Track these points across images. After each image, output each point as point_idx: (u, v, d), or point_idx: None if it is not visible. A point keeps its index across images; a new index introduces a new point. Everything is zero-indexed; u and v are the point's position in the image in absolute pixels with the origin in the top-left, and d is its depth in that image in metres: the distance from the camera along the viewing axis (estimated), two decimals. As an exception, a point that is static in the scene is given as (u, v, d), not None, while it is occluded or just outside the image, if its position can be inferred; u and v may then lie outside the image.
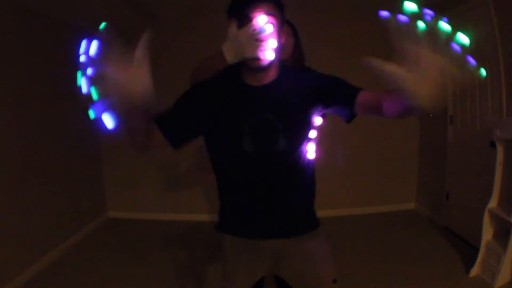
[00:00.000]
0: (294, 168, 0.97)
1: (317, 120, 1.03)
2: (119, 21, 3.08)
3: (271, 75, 0.94)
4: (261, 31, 0.83)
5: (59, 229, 2.77)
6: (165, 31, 3.41)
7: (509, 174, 2.15)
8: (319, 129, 1.10)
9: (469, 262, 2.26)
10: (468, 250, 2.50)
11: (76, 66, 0.75)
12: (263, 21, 0.83)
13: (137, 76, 0.76)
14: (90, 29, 3.21)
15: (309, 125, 0.97)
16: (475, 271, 2.19)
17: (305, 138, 0.97)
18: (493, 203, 2.17)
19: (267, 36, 0.85)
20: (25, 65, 2.44)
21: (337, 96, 0.95)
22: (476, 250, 2.23)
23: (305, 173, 1.01)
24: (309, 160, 1.01)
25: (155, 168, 3.56)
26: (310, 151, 1.03)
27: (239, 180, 0.99)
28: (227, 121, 0.93)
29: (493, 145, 2.15)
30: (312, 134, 1.01)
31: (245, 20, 0.85)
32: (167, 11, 3.24)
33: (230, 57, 0.92)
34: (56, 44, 2.80)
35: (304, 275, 1.04)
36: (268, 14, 0.85)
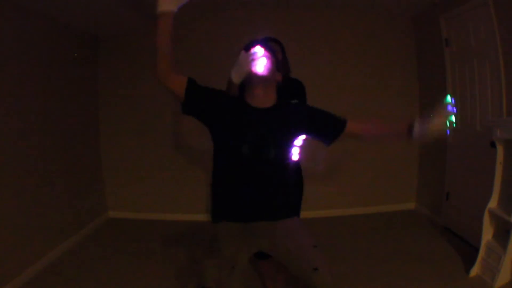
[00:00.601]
0: (280, 168, 1.27)
1: (301, 138, 1.37)
2: (119, 21, 3.09)
3: (270, 100, 1.26)
4: (254, 53, 1.17)
5: (59, 229, 2.77)
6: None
7: (509, 174, 2.15)
8: (304, 141, 1.43)
9: (469, 262, 2.26)
10: (468, 250, 2.50)
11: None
12: (258, 49, 1.18)
13: None
14: (91, 29, 3.19)
15: (293, 142, 1.30)
16: (475, 271, 2.18)
17: (289, 149, 1.29)
18: (493, 203, 2.16)
19: (259, 56, 1.18)
20: (25, 65, 2.44)
21: (323, 132, 1.30)
22: (476, 250, 2.23)
23: (289, 171, 1.31)
24: (293, 161, 1.31)
25: (155, 168, 3.56)
26: (295, 154, 1.36)
27: (238, 174, 1.24)
28: (234, 130, 1.22)
29: (493, 145, 2.15)
30: (298, 142, 1.33)
31: (247, 48, 1.22)
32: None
33: (235, 79, 1.26)
34: (56, 44, 2.80)
35: (289, 247, 1.21)
36: (266, 49, 1.20)
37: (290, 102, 1.34)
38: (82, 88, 3.24)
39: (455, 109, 1.20)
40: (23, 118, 2.41)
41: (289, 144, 1.29)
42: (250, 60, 1.18)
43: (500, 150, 2.12)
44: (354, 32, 3.41)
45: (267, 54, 1.21)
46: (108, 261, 2.61)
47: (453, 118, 1.20)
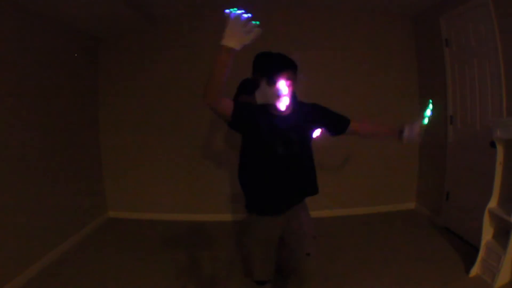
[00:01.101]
0: (305, 160, 1.55)
1: (317, 131, 1.65)
2: (119, 21, 3.09)
3: (289, 108, 1.47)
4: (280, 93, 1.37)
5: (59, 229, 2.77)
6: (165, 31, 3.42)
7: (509, 174, 2.15)
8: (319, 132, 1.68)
9: (469, 262, 2.26)
10: (468, 250, 2.50)
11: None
12: (283, 86, 1.36)
13: (247, 36, 1.19)
14: (91, 29, 3.18)
15: (311, 136, 1.58)
16: (475, 271, 2.19)
17: (310, 143, 1.58)
18: (493, 203, 2.17)
19: (283, 95, 1.38)
20: (25, 65, 2.44)
21: (333, 126, 1.60)
22: (476, 250, 2.23)
23: (310, 161, 1.59)
24: (311, 152, 1.59)
25: (155, 168, 3.57)
26: (316, 135, 1.62)
27: (273, 170, 1.49)
28: (268, 135, 1.46)
29: (493, 145, 2.15)
30: (315, 133, 1.62)
31: (271, 81, 1.37)
32: (167, 11, 3.24)
33: (259, 101, 1.45)
34: (56, 44, 2.80)
35: (295, 230, 1.58)
36: (287, 79, 1.37)
37: (303, 103, 1.57)
38: (82, 88, 3.24)
39: (431, 113, 1.54)
40: (23, 118, 2.41)
41: (309, 139, 1.57)
42: (276, 96, 1.37)
43: (500, 150, 2.12)
44: (354, 32, 3.41)
45: (290, 92, 1.40)
46: (108, 261, 2.61)
47: (425, 121, 1.53)
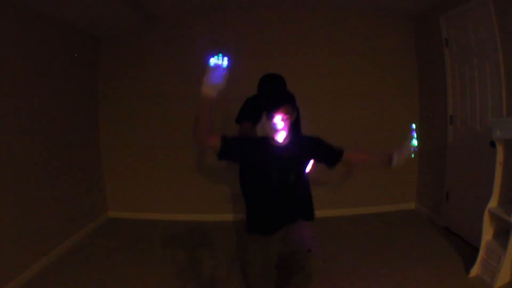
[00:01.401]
0: (299, 188, 1.64)
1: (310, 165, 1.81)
2: (119, 21, 3.09)
3: (287, 140, 1.57)
4: (276, 127, 1.49)
5: (59, 229, 2.77)
6: (165, 31, 3.42)
7: (509, 174, 2.15)
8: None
9: (469, 262, 2.26)
10: (468, 250, 2.51)
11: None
12: (279, 121, 1.48)
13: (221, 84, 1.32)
14: (91, 29, 3.19)
15: (305, 167, 1.69)
16: (475, 271, 2.19)
17: (304, 172, 1.68)
18: (493, 203, 2.17)
19: (280, 130, 1.49)
20: (25, 65, 2.44)
21: (327, 160, 1.66)
22: (476, 250, 2.23)
23: (305, 189, 1.72)
24: (305, 177, 1.70)
25: (155, 168, 3.56)
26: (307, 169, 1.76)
27: (268, 197, 1.60)
28: (263, 164, 1.56)
29: (493, 145, 2.15)
30: (308, 165, 1.77)
31: (270, 115, 1.49)
32: (167, 11, 3.24)
33: (259, 132, 1.81)
34: (56, 44, 2.80)
35: (296, 233, 1.67)
36: (284, 114, 1.48)
37: (303, 136, 1.71)
38: (82, 88, 3.24)
39: (414, 133, 1.60)
40: (23, 118, 2.41)
41: (303, 169, 1.66)
42: (273, 130, 1.49)
43: (500, 150, 2.12)
44: (354, 32, 3.41)
45: (287, 125, 1.52)
46: (108, 261, 2.61)
47: (415, 142, 1.60)
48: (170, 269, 2.45)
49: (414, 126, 1.65)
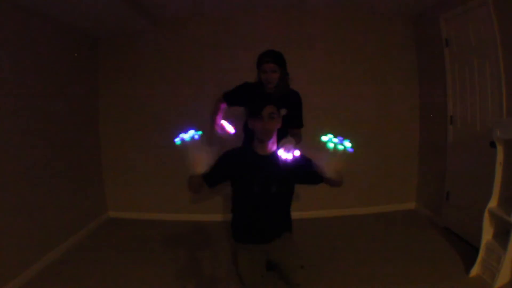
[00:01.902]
0: (280, 200, 1.69)
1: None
2: (119, 22, 3.09)
3: (271, 148, 1.64)
4: (265, 132, 1.58)
5: (59, 229, 2.77)
6: (165, 31, 3.42)
7: (509, 174, 2.15)
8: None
9: (469, 262, 2.26)
10: (468, 250, 2.51)
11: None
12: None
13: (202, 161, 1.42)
14: (91, 30, 3.17)
15: (289, 178, 1.65)
16: (475, 271, 2.19)
17: (289, 185, 1.69)
18: (493, 203, 2.17)
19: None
20: (25, 66, 2.44)
21: (309, 177, 1.61)
22: (476, 250, 2.23)
23: (287, 201, 1.74)
24: (290, 193, 1.73)
25: (155, 168, 3.56)
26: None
27: (250, 207, 1.66)
28: (246, 175, 1.62)
29: (493, 145, 2.15)
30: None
31: (258, 118, 1.57)
32: (167, 11, 3.24)
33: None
34: (56, 45, 2.80)
35: (286, 254, 1.69)
36: (270, 114, 1.56)
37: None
38: (82, 88, 3.24)
39: (341, 139, 1.36)
40: (22, 118, 2.41)
41: (285, 182, 1.64)
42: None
43: (500, 150, 2.12)
44: (354, 32, 3.41)
45: (274, 140, 1.63)
46: (108, 261, 2.61)
47: (339, 147, 1.36)
48: (170, 269, 2.45)
49: (327, 137, 1.36)
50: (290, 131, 2.02)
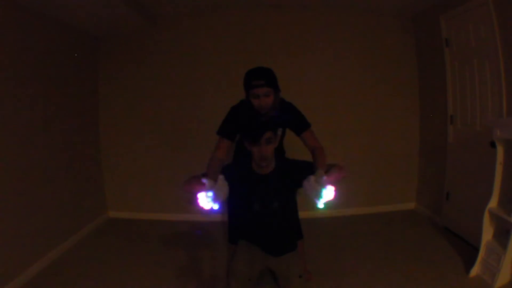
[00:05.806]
0: (282, 216, 1.65)
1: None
2: (119, 21, 3.09)
3: (270, 168, 1.60)
4: (263, 158, 1.51)
5: (59, 229, 2.77)
6: (165, 31, 3.42)
7: (509, 174, 2.15)
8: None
9: (469, 262, 2.26)
10: (468, 250, 2.51)
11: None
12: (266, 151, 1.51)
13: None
14: (91, 29, 3.18)
15: (289, 194, 1.68)
16: (475, 271, 2.19)
17: (288, 199, 1.68)
18: (493, 203, 2.17)
19: (266, 158, 1.52)
20: (25, 65, 2.44)
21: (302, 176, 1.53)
22: (476, 250, 2.23)
23: (289, 217, 1.74)
24: (292, 207, 1.78)
25: (155, 168, 3.56)
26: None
27: (250, 223, 1.68)
28: (247, 193, 1.61)
29: (493, 145, 2.15)
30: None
31: (255, 144, 1.50)
32: (167, 11, 3.24)
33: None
34: (56, 44, 2.80)
35: (280, 272, 1.69)
36: (268, 139, 1.48)
37: (286, 161, 1.69)
38: (82, 88, 3.24)
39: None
40: (22, 118, 2.41)
41: (286, 198, 1.64)
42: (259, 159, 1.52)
43: (500, 150, 2.12)
44: (354, 32, 3.41)
45: (271, 151, 1.55)
46: (108, 261, 2.61)
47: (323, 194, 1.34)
48: (170, 269, 2.45)
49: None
50: (303, 139, 1.91)
